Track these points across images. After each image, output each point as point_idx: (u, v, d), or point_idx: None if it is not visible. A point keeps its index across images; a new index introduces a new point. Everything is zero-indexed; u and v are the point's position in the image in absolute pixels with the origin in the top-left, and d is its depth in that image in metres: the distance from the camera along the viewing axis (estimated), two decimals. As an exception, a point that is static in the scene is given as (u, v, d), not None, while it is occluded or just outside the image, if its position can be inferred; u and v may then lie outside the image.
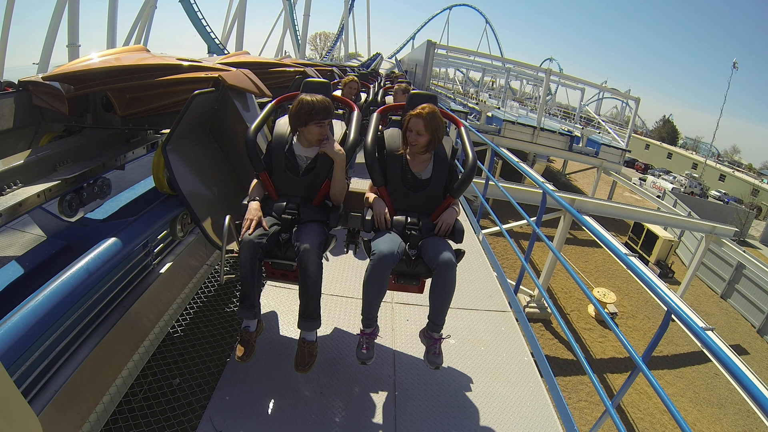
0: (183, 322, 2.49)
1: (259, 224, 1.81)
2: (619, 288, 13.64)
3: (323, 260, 1.85)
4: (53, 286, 1.38)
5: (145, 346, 1.92)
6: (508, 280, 3.62)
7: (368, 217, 1.93)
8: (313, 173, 1.97)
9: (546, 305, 8.01)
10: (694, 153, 48.35)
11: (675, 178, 36.53)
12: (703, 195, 33.70)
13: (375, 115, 2.15)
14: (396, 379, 2.29)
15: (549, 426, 2.17)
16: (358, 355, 1.96)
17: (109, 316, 1.70)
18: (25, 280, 1.81)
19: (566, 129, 23.30)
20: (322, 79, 2.24)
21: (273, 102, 2.21)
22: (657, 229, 16.16)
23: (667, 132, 62.15)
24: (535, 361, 2.65)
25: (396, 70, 17.83)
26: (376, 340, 2.01)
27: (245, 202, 1.91)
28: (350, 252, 2.34)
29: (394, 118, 2.23)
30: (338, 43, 44.65)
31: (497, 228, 4.46)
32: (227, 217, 1.79)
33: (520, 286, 4.14)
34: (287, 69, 4.05)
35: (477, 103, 24.45)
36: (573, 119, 30.15)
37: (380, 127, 2.11)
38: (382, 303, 1.92)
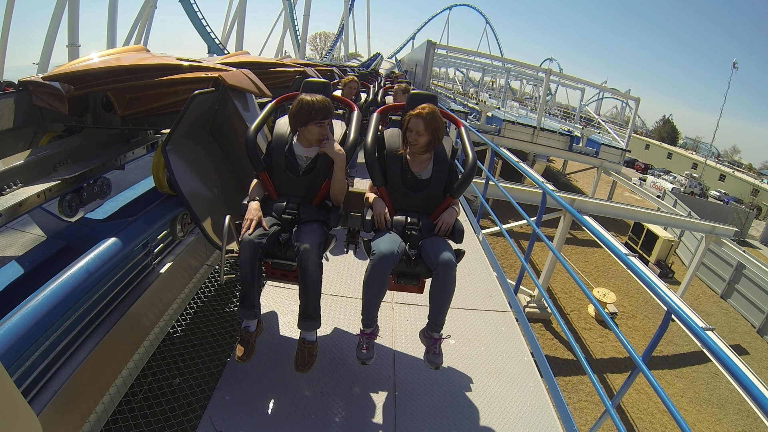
0: (183, 322, 2.49)
1: (259, 224, 1.81)
2: (619, 288, 13.64)
3: (323, 260, 1.85)
4: (53, 286, 1.38)
5: (145, 346, 1.92)
6: (508, 280, 3.62)
7: (368, 217, 1.93)
8: (313, 173, 1.97)
9: (546, 305, 8.01)
10: (694, 153, 48.35)
11: (675, 178, 36.53)
12: (703, 195, 33.69)
13: (375, 115, 2.15)
14: (396, 379, 2.29)
15: (549, 426, 2.17)
16: (358, 355, 1.96)
17: (109, 316, 1.70)
18: (25, 280, 1.81)
19: (566, 129, 23.30)
20: (322, 79, 2.24)
21: (273, 102, 2.21)
22: (657, 229, 16.16)
23: (667, 132, 62.15)
24: (535, 361, 2.65)
25: (396, 70, 17.83)
26: (376, 340, 2.01)
27: (245, 202, 1.91)
28: (350, 252, 2.34)
29: (394, 118, 2.23)
30: (338, 43, 44.65)
31: (497, 228, 4.46)
32: (227, 217, 1.79)
33: (520, 286, 4.14)
34: (287, 69, 4.05)
35: (477, 103, 24.45)
36: (573, 119, 30.15)
37: (380, 127, 2.11)
38: (382, 303, 1.92)
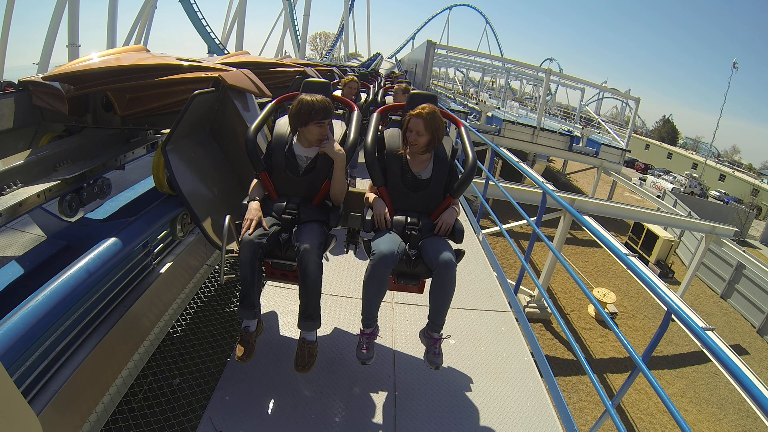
0: (183, 322, 2.49)
1: (259, 224, 1.81)
2: (619, 288, 13.64)
3: (323, 260, 1.84)
4: (53, 286, 1.38)
5: (145, 346, 1.92)
6: (508, 280, 3.62)
7: (368, 217, 1.93)
8: (313, 173, 1.97)
9: (546, 305, 8.01)
10: (694, 153, 48.35)
11: (675, 178, 36.53)
12: (703, 195, 33.69)
13: (375, 115, 2.15)
14: (396, 379, 2.29)
15: (549, 426, 2.17)
16: (358, 355, 1.96)
17: (109, 316, 1.70)
18: (25, 280, 1.81)
19: (566, 129, 23.30)
20: (322, 79, 2.24)
21: (273, 102, 2.21)
22: (657, 229, 16.16)
23: (667, 132, 62.15)
24: (535, 361, 2.65)
25: (396, 70, 17.83)
26: (376, 340, 2.01)
27: (245, 202, 1.91)
28: (350, 252, 2.34)
29: (394, 118, 2.23)
30: (338, 43, 44.65)
31: (497, 228, 4.46)
32: (227, 217, 1.79)
33: (520, 286, 4.14)
34: (287, 69, 4.05)
35: (477, 103, 24.45)
36: (573, 119, 30.14)
37: (380, 127, 2.11)
38: (382, 303, 1.92)
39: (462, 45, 47.53)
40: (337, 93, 3.54)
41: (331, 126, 2.06)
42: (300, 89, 2.12)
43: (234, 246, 1.97)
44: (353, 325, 2.64)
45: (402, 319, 2.81)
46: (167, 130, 2.16)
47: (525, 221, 4.01)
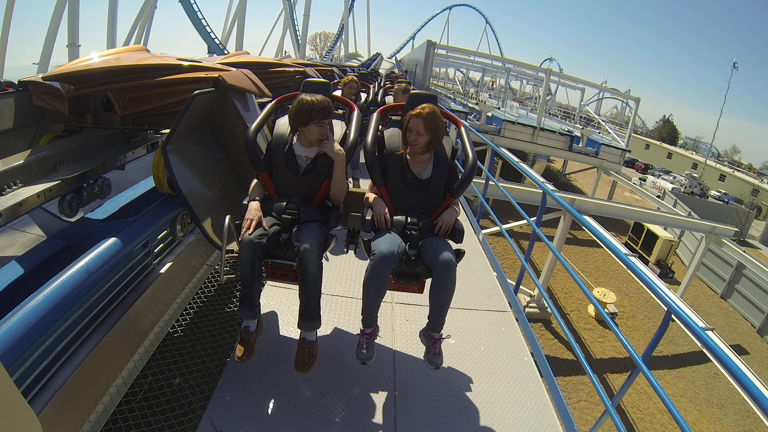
0: (183, 322, 2.49)
1: (259, 224, 1.81)
2: (619, 288, 13.64)
3: (323, 260, 1.84)
4: (53, 286, 1.38)
5: (145, 346, 1.92)
6: (508, 280, 3.62)
7: (368, 217, 1.93)
8: (313, 173, 1.97)
9: (546, 305, 8.01)
10: (694, 153, 48.35)
11: (675, 178, 36.53)
12: (703, 195, 33.69)
13: (375, 115, 2.15)
14: (396, 379, 2.29)
15: (549, 426, 2.17)
16: (358, 355, 1.96)
17: (109, 316, 1.70)
18: (25, 280, 1.81)
19: (566, 129, 23.29)
20: (322, 79, 2.25)
21: (273, 102, 2.21)
22: (657, 229, 16.15)
23: (667, 132, 62.15)
24: (535, 361, 2.65)
25: (396, 70, 17.83)
26: (376, 340, 2.01)
27: (245, 202, 1.91)
28: (350, 252, 2.34)
29: (394, 118, 2.23)
30: (338, 43, 44.65)
31: (497, 228, 4.46)
32: (227, 217, 1.79)
33: (520, 286, 4.14)
34: (287, 69, 4.05)
35: (477, 103, 24.45)
36: (573, 119, 30.14)
37: (380, 127, 2.11)
38: (382, 303, 1.92)
39: (462, 45, 47.55)
40: (337, 93, 3.54)
41: (331, 126, 2.06)
42: (300, 89, 2.12)
43: (234, 246, 1.97)
44: (353, 325, 2.64)
45: (402, 319, 2.81)
46: (167, 130, 2.16)
47: (525, 221, 4.01)
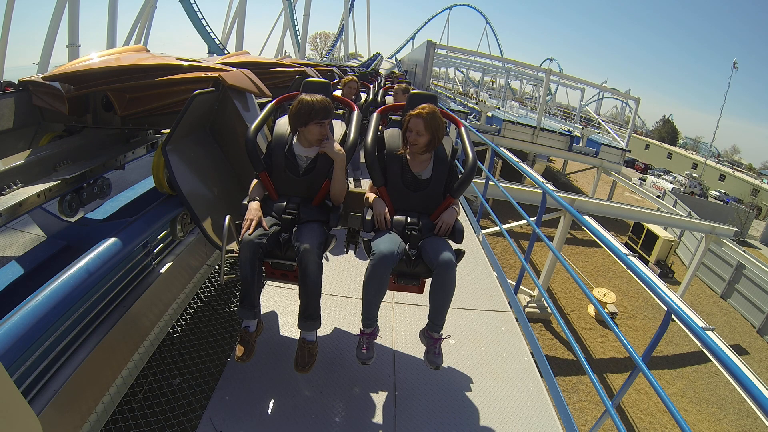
0: (183, 322, 2.49)
1: (259, 224, 1.81)
2: (619, 288, 13.64)
3: (323, 260, 1.84)
4: (53, 286, 1.38)
5: (145, 346, 1.92)
6: (508, 280, 3.62)
7: (368, 217, 1.93)
8: (313, 173, 1.97)
9: (546, 305, 8.01)
10: (694, 153, 48.35)
11: (675, 178, 36.53)
12: (703, 195, 33.69)
13: (375, 115, 2.15)
14: (396, 379, 2.29)
15: (549, 426, 2.17)
16: (358, 355, 1.96)
17: (109, 316, 1.70)
18: (25, 280, 1.81)
19: (566, 129, 23.30)
20: (322, 79, 2.25)
21: (273, 102, 2.21)
22: (657, 229, 16.15)
23: (667, 132, 62.15)
24: (535, 361, 2.65)
25: (396, 70, 17.83)
26: (376, 340, 2.01)
27: (245, 202, 1.91)
28: (350, 252, 2.34)
29: (394, 118, 2.23)
30: (338, 43, 44.65)
31: (497, 228, 4.46)
32: (227, 217, 1.79)
33: (520, 286, 4.14)
34: (287, 69, 4.05)
35: (477, 103, 24.45)
36: (573, 119, 30.14)
37: (380, 127, 2.11)
38: (382, 303, 1.92)
39: (462, 45, 47.54)
40: (337, 93, 3.54)
41: (331, 126, 2.06)
42: (300, 89, 2.12)
43: (234, 246, 1.97)
44: (353, 325, 2.64)
45: (402, 319, 2.81)
46: (167, 130, 2.16)
47: (525, 221, 4.01)
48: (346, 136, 2.07)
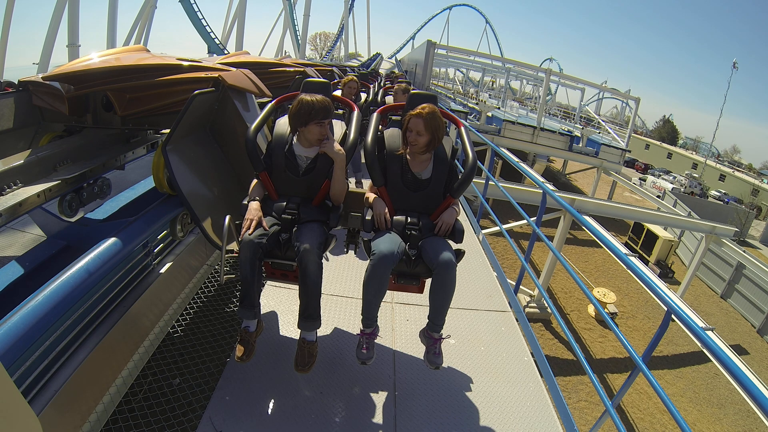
0: (183, 322, 2.49)
1: (259, 224, 1.81)
2: (619, 288, 13.64)
3: (323, 260, 1.85)
4: (53, 286, 1.38)
5: (145, 346, 1.92)
6: (508, 280, 3.62)
7: (368, 217, 1.93)
8: (313, 173, 1.97)
9: (546, 305, 8.01)
10: (694, 153, 48.35)
11: (675, 178, 36.53)
12: (703, 195, 33.69)
13: (375, 115, 2.15)
14: (396, 379, 2.29)
15: (549, 426, 2.17)
16: (358, 355, 1.96)
17: (109, 316, 1.70)
18: (25, 280, 1.81)
19: (566, 129, 23.30)
20: (322, 79, 2.25)
21: (273, 102, 2.21)
22: (657, 229, 16.16)
23: (667, 132, 62.15)
24: (535, 361, 2.65)
25: (396, 70, 17.83)
26: (376, 340, 2.01)
27: (245, 202, 1.91)
28: (350, 252, 2.34)
29: (394, 118, 2.23)
30: (338, 43, 44.65)
31: (497, 228, 4.46)
32: (227, 217, 1.79)
33: (520, 286, 4.14)
34: (287, 69, 4.05)
35: (477, 103, 24.45)
36: (573, 119, 30.14)
37: (380, 127, 2.11)
38: (382, 303, 1.92)
39: (462, 45, 47.53)
40: (337, 93, 3.54)
41: (331, 126, 2.06)
42: (300, 89, 2.12)
43: (234, 246, 1.97)
44: (353, 325, 2.64)
45: (402, 319, 2.81)
46: (167, 130, 2.16)
47: (525, 221, 4.01)
48: (346, 136, 2.07)
